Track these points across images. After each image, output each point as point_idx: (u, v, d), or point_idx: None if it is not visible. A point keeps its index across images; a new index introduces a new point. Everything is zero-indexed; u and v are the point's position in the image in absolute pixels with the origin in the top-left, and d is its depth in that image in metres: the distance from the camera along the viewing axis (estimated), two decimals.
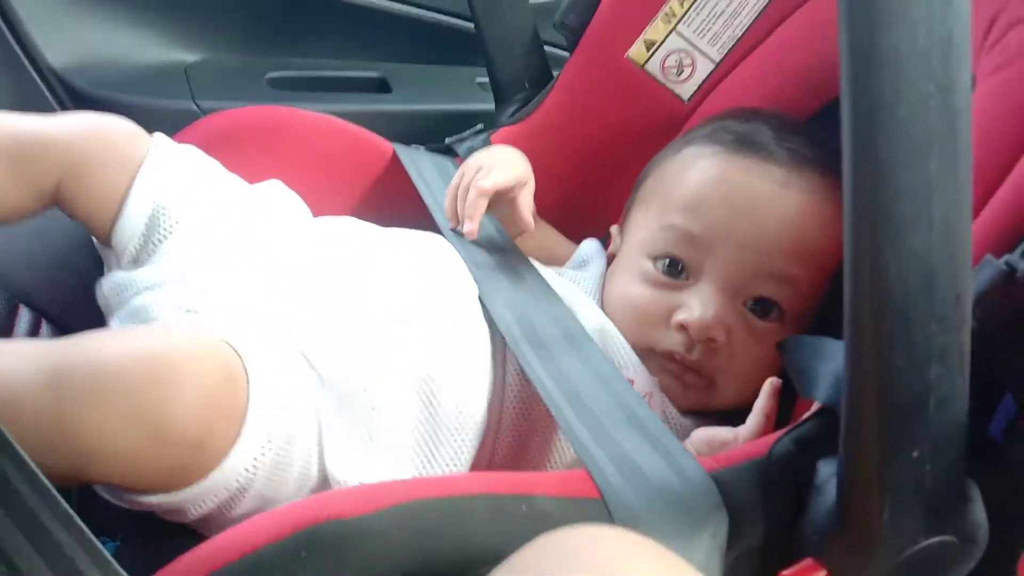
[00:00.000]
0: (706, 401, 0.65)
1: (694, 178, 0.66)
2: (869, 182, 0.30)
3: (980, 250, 0.46)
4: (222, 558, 0.38)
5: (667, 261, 0.65)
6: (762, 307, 0.64)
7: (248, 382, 0.48)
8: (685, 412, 0.65)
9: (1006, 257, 0.42)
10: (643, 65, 0.82)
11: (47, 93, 0.86)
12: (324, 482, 0.53)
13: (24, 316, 0.67)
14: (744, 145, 0.65)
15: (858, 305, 0.34)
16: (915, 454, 0.39)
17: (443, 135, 0.90)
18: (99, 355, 0.44)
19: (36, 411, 0.42)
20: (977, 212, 0.49)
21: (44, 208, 0.61)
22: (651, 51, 0.82)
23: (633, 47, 0.82)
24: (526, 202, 0.70)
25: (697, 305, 0.63)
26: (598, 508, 0.46)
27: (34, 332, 0.67)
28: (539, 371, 0.56)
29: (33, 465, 0.35)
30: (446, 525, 0.38)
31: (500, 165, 0.69)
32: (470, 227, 0.66)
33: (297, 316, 0.56)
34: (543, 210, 0.83)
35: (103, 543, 0.54)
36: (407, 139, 0.96)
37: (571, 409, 0.54)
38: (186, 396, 0.44)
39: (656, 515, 0.47)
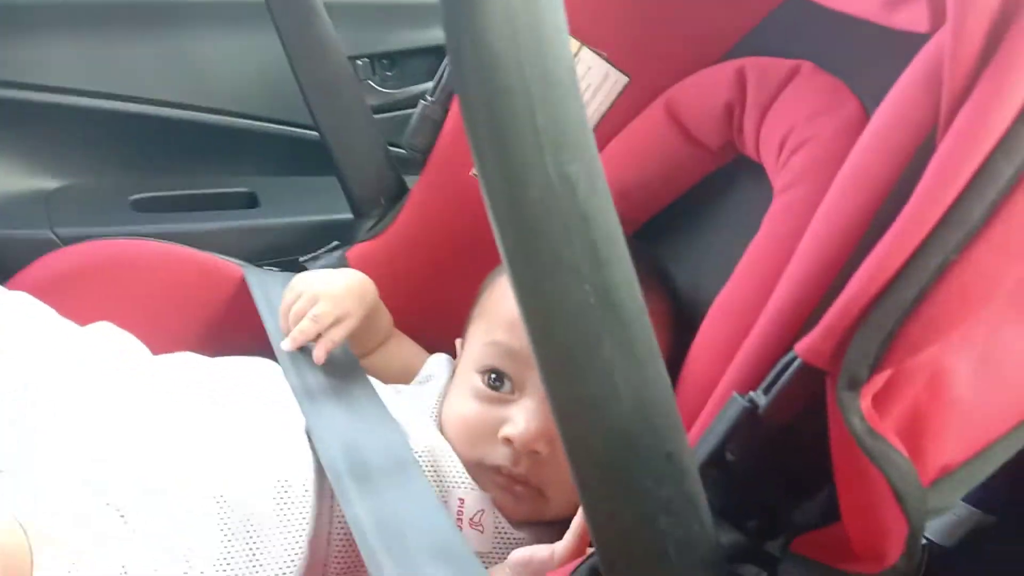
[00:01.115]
0: (539, 512, 0.67)
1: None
2: (553, 368, 0.33)
3: (737, 387, 0.50)
4: None
5: (492, 375, 0.68)
6: None
7: (32, 563, 0.48)
8: (519, 524, 0.66)
9: (750, 394, 0.45)
10: None
11: None
12: None
13: None
14: None
15: (577, 469, 0.37)
16: None
17: (313, 245, 0.92)
18: None
19: None
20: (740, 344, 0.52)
21: None
22: None
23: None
24: (331, 336, 0.71)
25: (521, 419, 0.65)
26: None
27: None
28: (358, 507, 0.58)
29: None
30: None
31: (326, 296, 0.71)
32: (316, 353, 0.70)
33: (109, 470, 0.56)
34: (402, 322, 0.85)
35: None
36: (276, 253, 0.98)
37: (384, 546, 0.55)
38: None
39: None
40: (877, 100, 0.55)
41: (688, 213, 0.78)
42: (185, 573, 0.55)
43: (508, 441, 0.65)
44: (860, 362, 0.40)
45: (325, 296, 0.71)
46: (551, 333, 0.32)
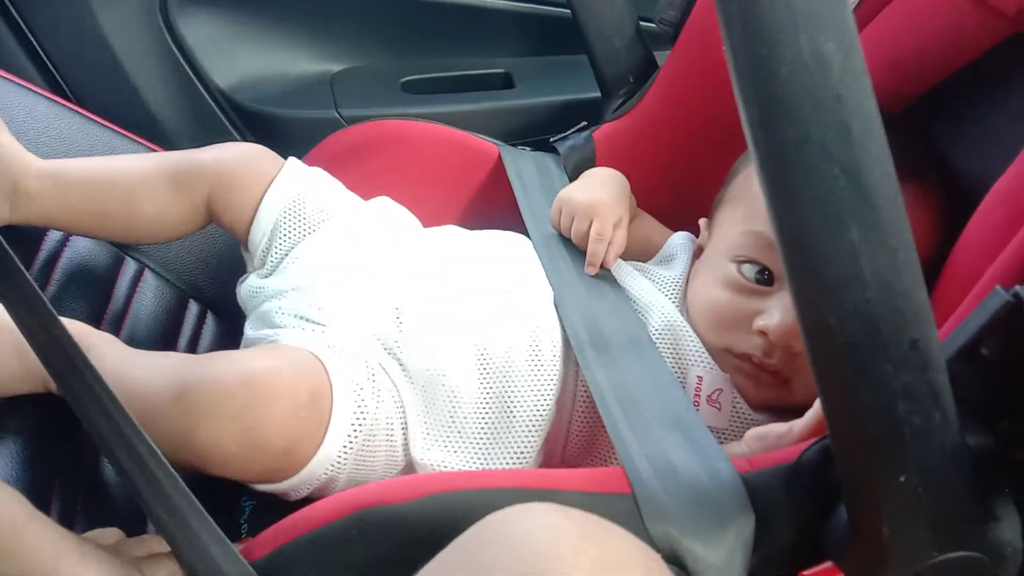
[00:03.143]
0: (780, 399, 0.67)
1: None
2: (794, 248, 0.33)
3: (1002, 279, 0.46)
4: (290, 534, 0.47)
5: (756, 267, 0.67)
6: None
7: (332, 398, 0.58)
8: (758, 408, 0.67)
9: (1016, 288, 0.42)
10: None
11: (216, 110, 1.01)
12: (410, 466, 0.63)
13: (193, 308, 0.82)
14: None
15: (813, 349, 0.37)
16: (902, 479, 0.42)
17: (564, 125, 0.95)
18: (213, 378, 0.56)
19: (166, 419, 0.54)
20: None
21: (204, 222, 0.74)
22: None
23: None
24: (616, 244, 0.73)
25: (777, 312, 0.65)
26: (626, 503, 0.51)
27: (200, 321, 0.82)
28: (599, 375, 0.62)
29: (163, 456, 0.46)
30: (473, 515, 0.45)
31: (600, 211, 0.73)
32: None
33: (392, 324, 0.66)
34: (645, 200, 0.86)
35: (244, 502, 0.67)
36: (529, 131, 1.02)
37: (622, 411, 0.59)
38: (276, 415, 0.55)
39: (683, 511, 0.51)
40: None
41: (972, 87, 0.70)
42: (451, 411, 0.63)
43: (763, 333, 0.65)
44: None
45: (599, 212, 0.73)
46: (794, 213, 0.32)
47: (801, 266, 0.34)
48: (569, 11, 0.97)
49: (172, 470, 0.46)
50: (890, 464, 0.41)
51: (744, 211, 0.71)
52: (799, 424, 0.58)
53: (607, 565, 0.37)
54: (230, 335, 0.80)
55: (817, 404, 0.58)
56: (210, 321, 0.82)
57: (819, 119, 0.29)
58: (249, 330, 0.69)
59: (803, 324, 0.36)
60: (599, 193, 0.75)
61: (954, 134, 0.72)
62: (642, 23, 0.91)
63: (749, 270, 0.67)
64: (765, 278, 0.67)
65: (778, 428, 0.59)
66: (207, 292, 0.83)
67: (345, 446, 0.59)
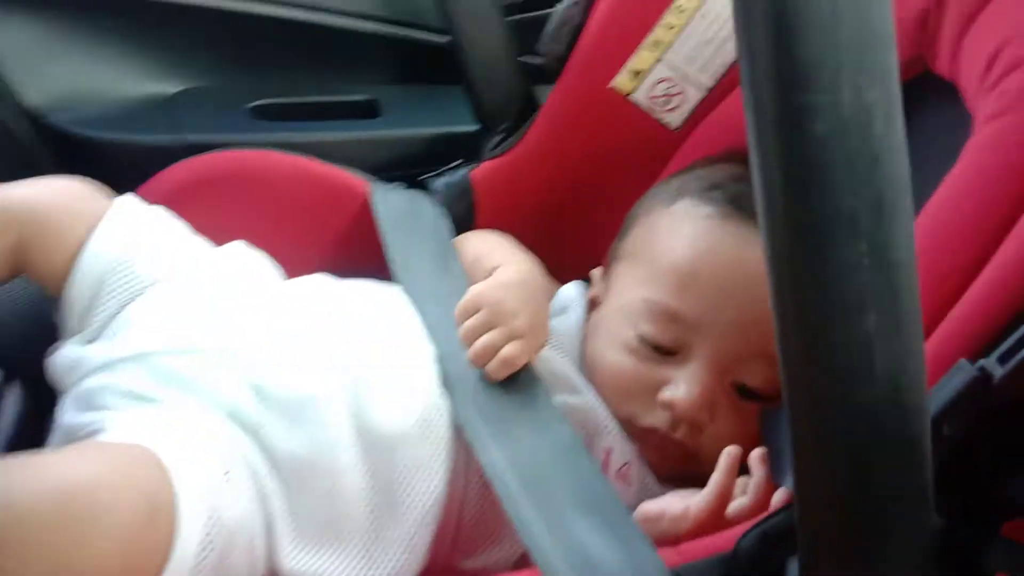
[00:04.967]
0: (688, 472, 0.61)
1: (683, 247, 0.63)
2: (799, 340, 0.28)
3: (955, 351, 0.43)
4: None
5: (655, 340, 0.62)
6: (748, 392, 0.61)
7: (176, 508, 0.46)
8: (666, 480, 0.62)
9: (981, 362, 0.39)
10: (629, 95, 0.79)
11: (26, 135, 0.84)
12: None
13: None
14: (739, 210, 0.62)
15: (802, 450, 0.32)
16: None
17: (435, 159, 0.88)
18: (17, 494, 0.43)
19: None
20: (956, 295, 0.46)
21: (11, 274, 0.61)
22: (637, 80, 0.78)
23: (618, 77, 0.79)
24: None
25: (683, 384, 0.60)
26: None
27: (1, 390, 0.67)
28: (493, 451, 0.54)
29: None
30: None
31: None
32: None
33: (252, 400, 0.54)
34: (527, 246, 0.80)
35: None
36: (396, 165, 0.93)
37: (525, 493, 0.51)
38: (103, 537, 0.43)
39: None
40: None
41: None
42: (328, 502, 0.53)
43: (669, 406, 0.60)
44: None
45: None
46: (805, 296, 0.27)
47: (803, 358, 0.28)
48: (440, 37, 0.90)
49: None
50: (865, 566, 0.36)
51: (644, 272, 0.65)
52: (695, 506, 0.52)
53: None
54: (37, 412, 0.65)
55: (713, 481, 0.53)
56: (16, 390, 0.67)
57: (854, 188, 0.24)
58: (65, 416, 0.56)
59: (792, 419, 0.31)
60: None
61: None
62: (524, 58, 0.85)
63: (649, 340, 0.62)
64: (665, 351, 0.62)
65: (672, 510, 0.53)
66: (11, 356, 0.67)
67: (195, 568, 0.47)
